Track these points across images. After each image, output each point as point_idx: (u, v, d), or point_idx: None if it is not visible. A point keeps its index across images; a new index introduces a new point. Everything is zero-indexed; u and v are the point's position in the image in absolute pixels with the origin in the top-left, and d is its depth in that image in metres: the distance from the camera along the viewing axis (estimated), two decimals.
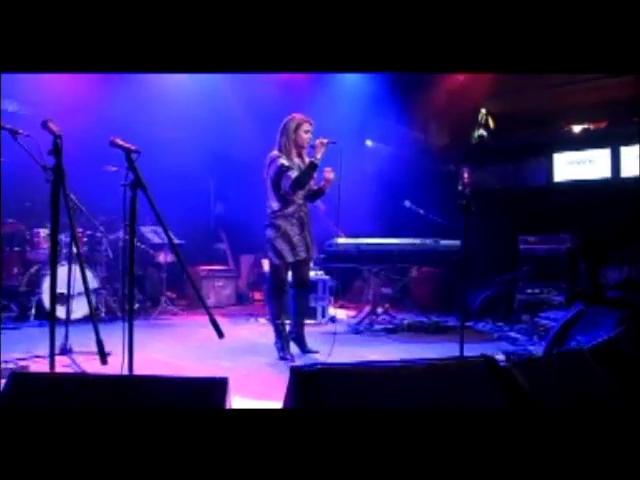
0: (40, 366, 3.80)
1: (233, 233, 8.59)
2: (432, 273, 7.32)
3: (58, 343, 3.91)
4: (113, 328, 5.57)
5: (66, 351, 4.19)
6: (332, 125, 5.41)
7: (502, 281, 6.32)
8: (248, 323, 6.47)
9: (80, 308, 5.54)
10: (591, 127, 7.86)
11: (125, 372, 2.74)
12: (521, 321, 5.96)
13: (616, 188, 6.68)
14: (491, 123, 8.85)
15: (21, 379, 1.75)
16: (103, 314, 6.11)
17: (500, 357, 4.37)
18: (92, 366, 3.99)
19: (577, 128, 7.95)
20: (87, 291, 3.13)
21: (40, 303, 5.88)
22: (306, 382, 1.82)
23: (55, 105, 6.09)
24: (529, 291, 6.08)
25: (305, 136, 4.58)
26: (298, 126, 4.56)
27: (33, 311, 5.89)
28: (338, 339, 4.52)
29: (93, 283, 5.97)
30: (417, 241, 6.14)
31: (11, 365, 3.71)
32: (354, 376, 1.86)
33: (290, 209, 4.57)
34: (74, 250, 5.41)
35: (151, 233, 6.77)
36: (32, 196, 6.04)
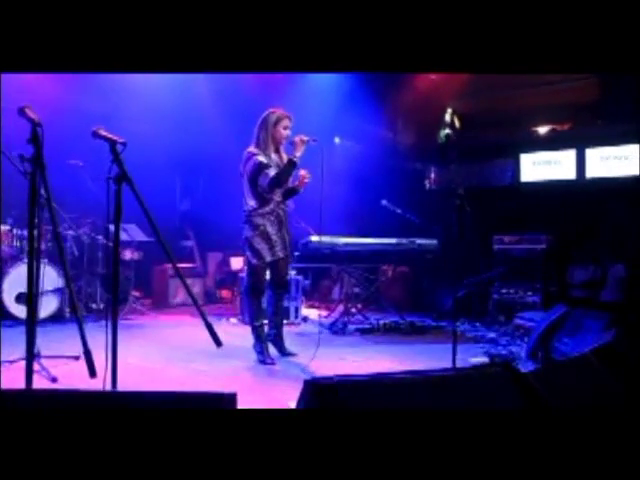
0: (11, 373, 3.52)
1: (200, 230, 8.38)
2: (404, 273, 7.27)
3: (23, 347, 3.67)
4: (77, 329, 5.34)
5: (34, 355, 3.93)
6: (302, 122, 5.30)
7: (476, 281, 6.30)
8: (220, 323, 6.28)
9: (43, 308, 5.28)
10: (557, 128, 7.94)
11: (108, 381, 2.55)
12: (496, 321, 5.95)
13: (581, 189, 6.75)
14: (457, 123, 8.87)
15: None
16: (67, 314, 5.83)
17: (484, 359, 4.33)
18: (63, 372, 3.79)
19: (542, 129, 8.02)
20: (71, 293, 2.91)
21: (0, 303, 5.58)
22: (323, 395, 1.69)
23: (17, 96, 5.78)
24: (504, 291, 6.08)
25: (284, 132, 4.43)
26: (278, 121, 4.42)
27: None
28: (314, 340, 4.40)
29: (57, 282, 5.70)
30: (393, 241, 6.07)
31: None
32: (374, 387, 1.75)
33: (268, 207, 4.42)
34: (42, 247, 5.18)
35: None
36: None
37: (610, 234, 6.29)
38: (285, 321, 6.05)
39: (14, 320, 5.33)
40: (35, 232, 4.87)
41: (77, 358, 4.12)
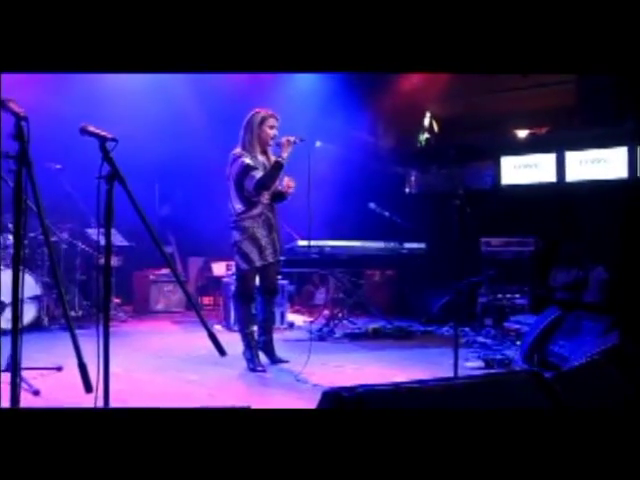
0: None
1: (181, 235, 8.20)
2: (390, 276, 7.19)
3: (4, 356, 3.50)
4: (59, 337, 5.16)
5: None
6: (284, 125, 5.22)
7: (464, 285, 6.24)
8: (204, 330, 6.11)
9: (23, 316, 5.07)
10: (537, 132, 7.97)
11: (101, 394, 2.40)
12: (484, 325, 5.89)
13: (561, 192, 6.76)
14: (435, 127, 8.87)
15: None
16: (46, 323, 5.63)
17: (480, 364, 4.26)
18: (46, 384, 3.61)
19: (521, 133, 8.05)
20: (64, 304, 2.75)
21: None
22: (345, 407, 1.58)
23: None
24: (491, 295, 6.03)
25: (270, 132, 4.30)
26: (263, 121, 4.29)
27: None
28: (303, 346, 4.29)
29: (35, 289, 5.49)
30: (382, 244, 5.99)
31: None
32: (400, 397, 1.64)
33: (256, 210, 4.29)
34: (24, 254, 4.96)
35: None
36: None
37: (591, 236, 6.30)
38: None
39: None
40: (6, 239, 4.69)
41: (59, 369, 3.96)
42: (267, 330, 4.47)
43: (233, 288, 5.03)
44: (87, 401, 2.38)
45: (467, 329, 5.67)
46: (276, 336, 5.45)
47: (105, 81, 6.60)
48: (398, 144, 9.33)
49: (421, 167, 8.43)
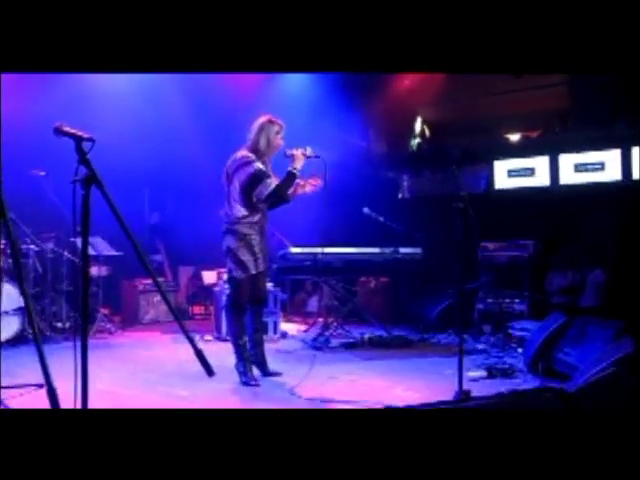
0: None
1: (171, 244, 8.03)
2: (385, 283, 7.02)
3: None
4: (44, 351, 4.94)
5: None
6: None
7: (461, 291, 6.08)
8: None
9: (4, 330, 4.88)
10: (529, 135, 7.88)
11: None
12: (483, 332, 5.74)
13: (556, 195, 6.65)
14: (427, 131, 8.79)
15: None
16: (30, 336, 5.42)
17: (482, 373, 4.11)
18: (25, 403, 3.40)
19: (514, 136, 7.96)
20: (31, 316, 2.57)
21: None
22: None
23: None
24: (489, 300, 5.88)
25: (281, 142, 4.26)
26: (278, 132, 4.22)
27: None
28: (300, 357, 4.12)
29: (19, 301, 5.28)
30: (376, 250, 5.83)
31: None
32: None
33: (256, 216, 4.18)
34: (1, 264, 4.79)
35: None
36: None
37: (589, 239, 6.18)
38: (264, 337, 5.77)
39: None
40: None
41: (42, 386, 3.75)
42: (258, 342, 4.31)
43: (225, 298, 4.86)
44: None
45: (465, 336, 5.51)
46: (269, 346, 5.29)
47: (94, 86, 6.45)
48: (390, 149, 9.23)
49: (414, 172, 8.32)
